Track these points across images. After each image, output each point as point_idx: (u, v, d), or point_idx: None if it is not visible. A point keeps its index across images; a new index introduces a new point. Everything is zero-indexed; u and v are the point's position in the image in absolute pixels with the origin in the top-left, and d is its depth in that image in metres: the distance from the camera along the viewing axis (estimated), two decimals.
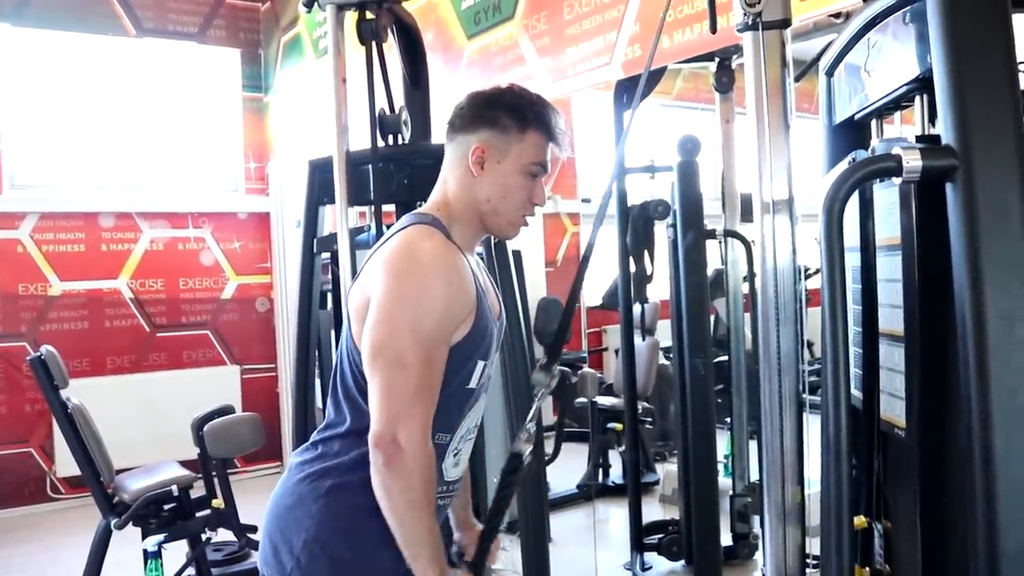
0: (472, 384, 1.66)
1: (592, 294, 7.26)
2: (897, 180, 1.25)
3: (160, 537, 3.37)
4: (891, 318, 1.41)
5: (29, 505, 5.75)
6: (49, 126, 6.05)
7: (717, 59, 4.00)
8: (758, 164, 1.62)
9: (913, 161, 1.21)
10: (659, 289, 4.16)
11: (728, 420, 4.32)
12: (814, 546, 1.60)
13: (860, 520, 1.50)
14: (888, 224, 1.43)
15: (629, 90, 3.81)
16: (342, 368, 1.68)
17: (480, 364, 1.66)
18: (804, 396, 1.63)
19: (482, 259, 1.79)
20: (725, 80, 4.03)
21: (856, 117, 1.65)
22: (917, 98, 1.40)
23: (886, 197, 1.44)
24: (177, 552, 4.02)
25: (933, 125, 1.36)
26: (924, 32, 1.27)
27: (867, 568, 1.55)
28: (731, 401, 4.19)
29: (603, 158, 3.62)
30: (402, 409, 1.50)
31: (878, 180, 1.41)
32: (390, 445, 1.49)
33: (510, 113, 1.64)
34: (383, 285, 1.56)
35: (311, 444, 1.72)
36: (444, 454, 1.68)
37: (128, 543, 3.96)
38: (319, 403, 3.35)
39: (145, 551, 3.57)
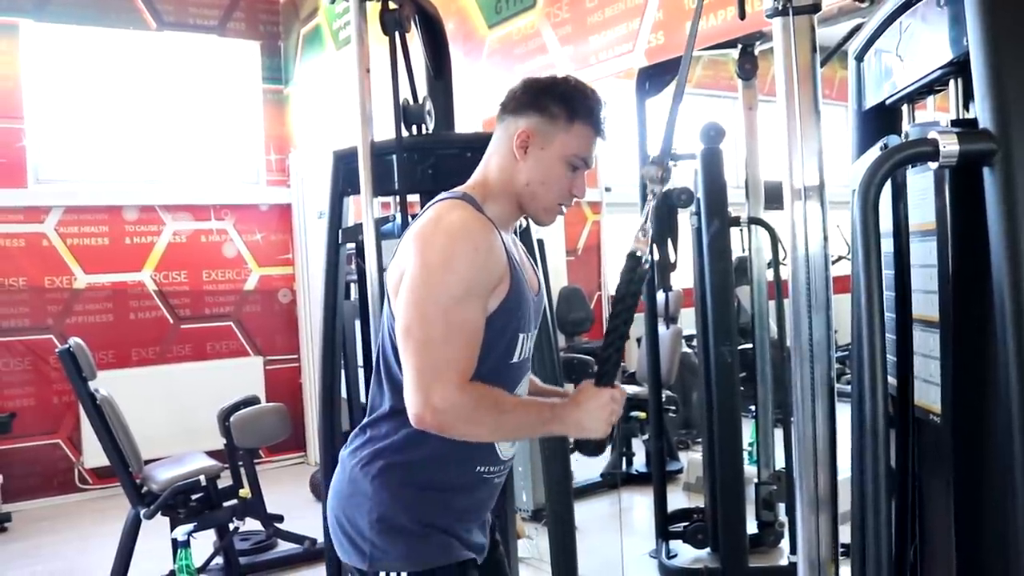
0: (515, 358, 1.68)
1: (614, 282, 7.25)
2: (933, 165, 1.24)
3: (190, 527, 3.41)
4: (925, 304, 1.40)
5: (58, 496, 5.84)
6: (72, 120, 6.10)
7: (740, 46, 3.97)
8: (788, 150, 1.61)
9: (950, 146, 1.20)
10: (682, 277, 4.15)
11: (752, 408, 4.31)
12: (845, 534, 1.60)
13: None
14: (922, 209, 1.42)
15: (652, 77, 3.79)
16: (384, 348, 1.69)
17: (520, 337, 1.67)
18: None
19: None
20: (748, 67, 4.00)
21: (887, 102, 1.63)
22: (951, 82, 1.38)
23: (919, 182, 1.42)
24: (205, 541, 4.07)
25: (968, 109, 1.35)
26: (959, 15, 1.25)
27: None
28: (755, 389, 4.18)
29: (624, 147, 3.63)
30: (431, 379, 1.51)
31: (911, 165, 1.40)
32: (432, 416, 1.51)
33: (560, 102, 1.66)
34: (413, 257, 1.58)
35: (359, 430, 1.73)
36: None
37: (156, 533, 4.01)
38: (344, 393, 3.38)
39: (174, 540, 3.61)
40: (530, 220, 1.78)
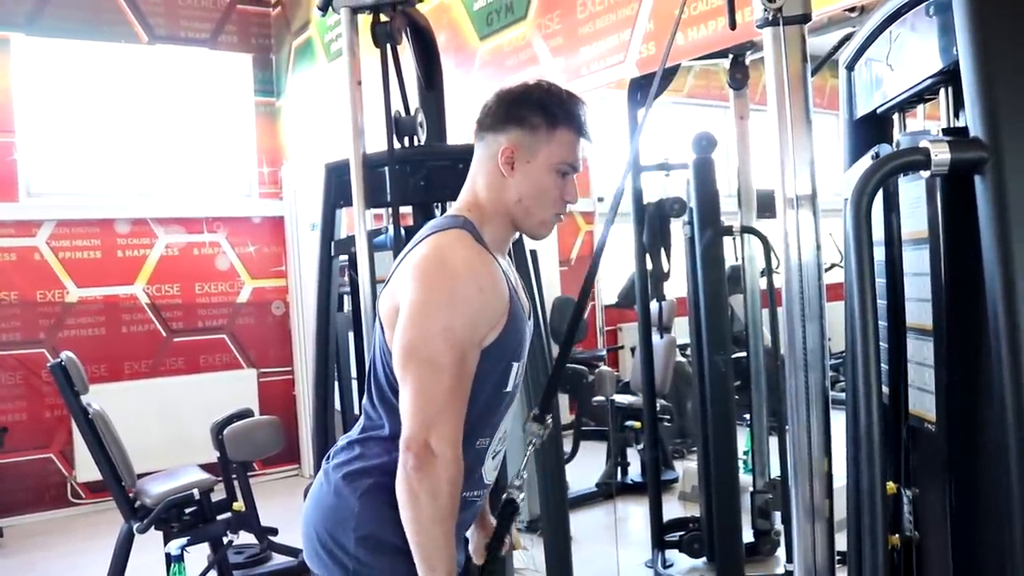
0: (508, 388, 1.67)
1: (608, 292, 7.27)
2: (925, 173, 1.24)
3: (183, 541, 3.39)
4: (919, 312, 1.41)
5: (50, 510, 5.80)
6: (64, 134, 6.09)
7: (731, 55, 3.99)
8: (780, 160, 1.61)
9: (941, 154, 1.20)
10: (675, 286, 4.15)
11: (746, 416, 4.31)
12: (841, 542, 1.60)
13: (890, 486, 1.49)
14: (914, 218, 1.42)
15: (643, 88, 3.80)
16: (375, 372, 1.68)
17: (514, 366, 1.66)
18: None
19: (511, 257, 1.80)
20: (739, 76, 4.02)
21: (878, 111, 1.64)
22: (942, 91, 1.39)
23: (911, 191, 1.43)
24: (199, 555, 4.04)
25: (958, 118, 1.35)
26: (948, 24, 1.26)
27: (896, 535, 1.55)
28: (749, 397, 4.18)
29: (616, 157, 3.64)
30: (435, 414, 1.49)
31: (903, 174, 1.41)
32: (423, 450, 1.48)
33: (538, 111, 1.63)
34: (413, 290, 1.55)
35: (347, 445, 1.72)
36: (484, 457, 1.69)
37: (149, 548, 3.99)
38: (338, 405, 3.36)
39: (168, 555, 3.59)
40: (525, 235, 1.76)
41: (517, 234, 1.74)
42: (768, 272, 3.83)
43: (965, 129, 1.23)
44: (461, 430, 1.53)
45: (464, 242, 1.59)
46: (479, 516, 1.93)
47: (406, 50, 2.98)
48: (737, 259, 4.18)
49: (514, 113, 1.64)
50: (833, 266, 5.27)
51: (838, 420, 1.57)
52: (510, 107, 1.65)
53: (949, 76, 1.32)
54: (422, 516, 1.50)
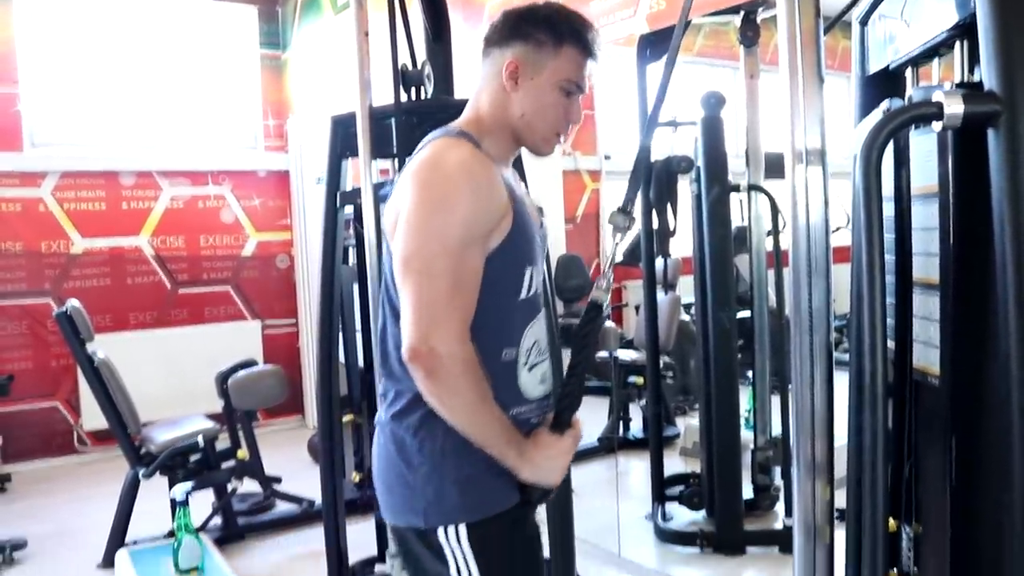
0: (523, 295, 1.63)
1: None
2: (937, 126, 1.23)
3: (188, 485, 3.42)
4: (926, 266, 1.41)
5: (56, 457, 5.86)
6: (68, 85, 6.05)
7: (742, 12, 3.94)
8: (791, 116, 1.60)
9: (955, 107, 1.19)
10: (681, 246, 4.15)
11: (749, 375, 4.33)
12: (841, 499, 1.62)
13: (891, 524, 1.50)
14: (924, 172, 1.42)
15: (652, 44, 3.76)
16: (387, 290, 1.66)
17: (528, 270, 1.64)
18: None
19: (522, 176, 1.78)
20: (750, 34, 3.97)
21: (890, 67, 1.63)
22: (956, 45, 1.37)
23: (922, 145, 1.42)
24: (203, 502, 4.09)
25: (972, 73, 1.34)
26: None
27: (895, 569, 1.56)
28: (752, 356, 4.19)
29: (624, 114, 3.61)
30: (434, 318, 1.48)
31: (915, 127, 1.40)
32: (427, 356, 1.47)
33: (545, 28, 1.62)
34: (410, 196, 1.54)
35: (383, 392, 1.69)
36: (516, 370, 1.64)
37: (154, 497, 4.03)
38: (342, 358, 3.38)
39: (173, 500, 3.62)
40: (528, 152, 1.73)
41: (519, 149, 1.72)
42: (774, 232, 3.82)
43: (979, 84, 1.22)
44: (466, 327, 1.51)
45: (461, 146, 1.58)
46: None
47: (413, 2, 2.96)
48: (744, 220, 4.18)
49: (520, 29, 1.63)
50: (839, 228, 5.25)
51: (840, 380, 1.58)
52: (517, 23, 1.64)
53: (964, 30, 1.30)
54: (456, 413, 1.53)
